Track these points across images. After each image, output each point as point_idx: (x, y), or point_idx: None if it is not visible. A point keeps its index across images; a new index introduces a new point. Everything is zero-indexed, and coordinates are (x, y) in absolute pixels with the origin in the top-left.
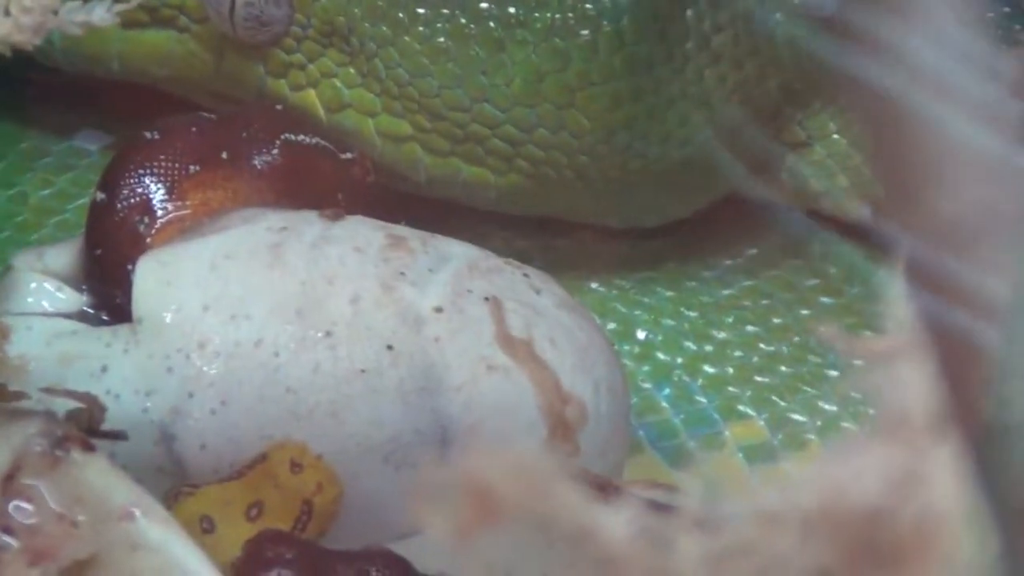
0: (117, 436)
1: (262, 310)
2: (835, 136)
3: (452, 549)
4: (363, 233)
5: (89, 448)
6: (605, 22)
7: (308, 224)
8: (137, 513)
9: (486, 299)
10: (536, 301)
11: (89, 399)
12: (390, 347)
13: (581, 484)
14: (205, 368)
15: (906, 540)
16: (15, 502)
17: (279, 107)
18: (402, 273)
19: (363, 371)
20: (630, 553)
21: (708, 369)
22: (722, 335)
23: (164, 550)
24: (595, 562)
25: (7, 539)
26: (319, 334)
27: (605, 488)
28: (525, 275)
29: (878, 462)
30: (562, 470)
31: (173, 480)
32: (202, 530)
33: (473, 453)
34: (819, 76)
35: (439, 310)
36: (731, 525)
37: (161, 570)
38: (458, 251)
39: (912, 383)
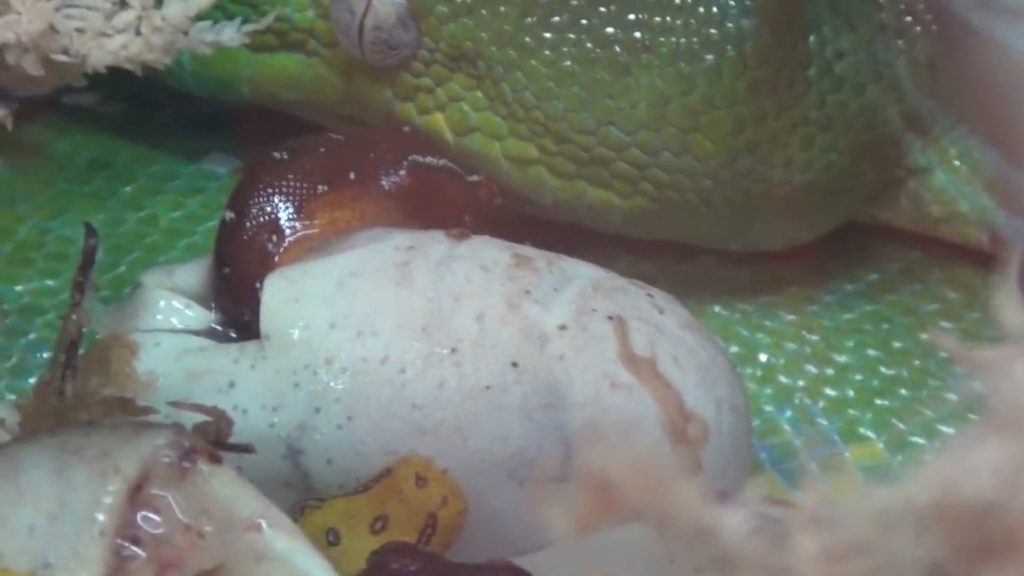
0: (244, 449)
1: (388, 327)
2: (956, 162)
3: (571, 542)
4: (489, 252)
5: (216, 460)
6: (729, 47)
7: (435, 243)
8: (263, 524)
9: (610, 318)
10: (660, 321)
11: (216, 413)
12: (515, 364)
13: (699, 482)
14: (332, 384)
15: (1019, 533)
16: (143, 512)
17: (406, 129)
18: (527, 291)
19: (488, 387)
20: (747, 550)
21: (829, 392)
22: (843, 359)
23: (290, 561)
24: (712, 560)
25: (135, 549)
26: (445, 351)
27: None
28: (649, 295)
29: (991, 457)
30: (681, 468)
31: (299, 494)
32: (327, 543)
33: (593, 449)
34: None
35: (563, 328)
36: (847, 522)
37: None
38: (583, 271)
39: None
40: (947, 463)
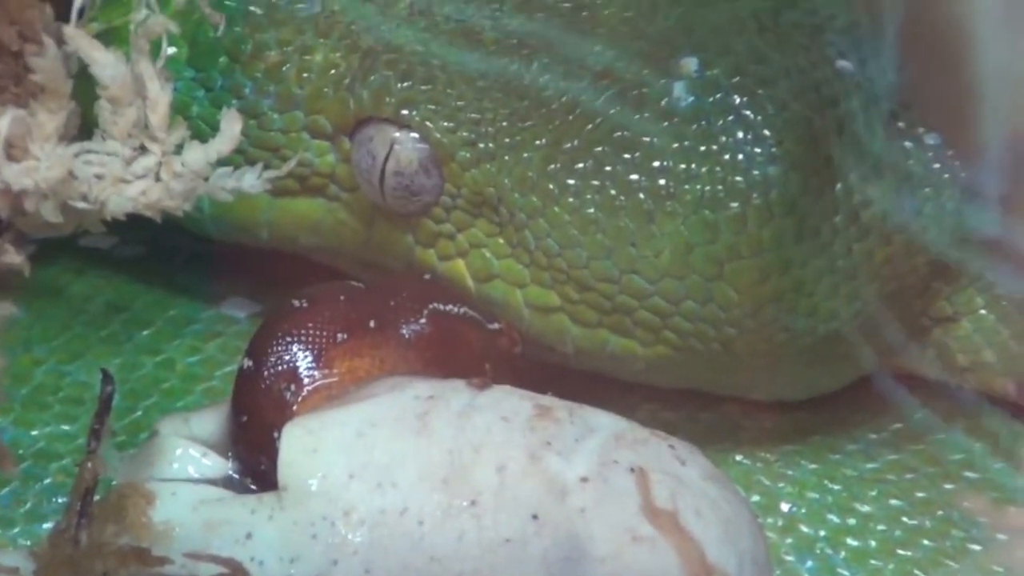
0: None
1: (408, 478)
2: (982, 311)
3: None
4: (510, 402)
5: None
6: (755, 195)
7: (455, 393)
8: None
9: (632, 470)
10: (682, 472)
11: (233, 564)
12: (535, 516)
13: None
14: (350, 536)
15: None
16: None
17: (427, 276)
18: (548, 443)
19: (508, 540)
20: None
21: (851, 542)
22: (866, 508)
23: None
24: None
25: None
26: (465, 503)
27: None
28: (671, 446)
29: None
30: None
31: None
32: None
33: None
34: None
35: (585, 480)
36: None
37: None
38: (605, 422)
39: None
40: None
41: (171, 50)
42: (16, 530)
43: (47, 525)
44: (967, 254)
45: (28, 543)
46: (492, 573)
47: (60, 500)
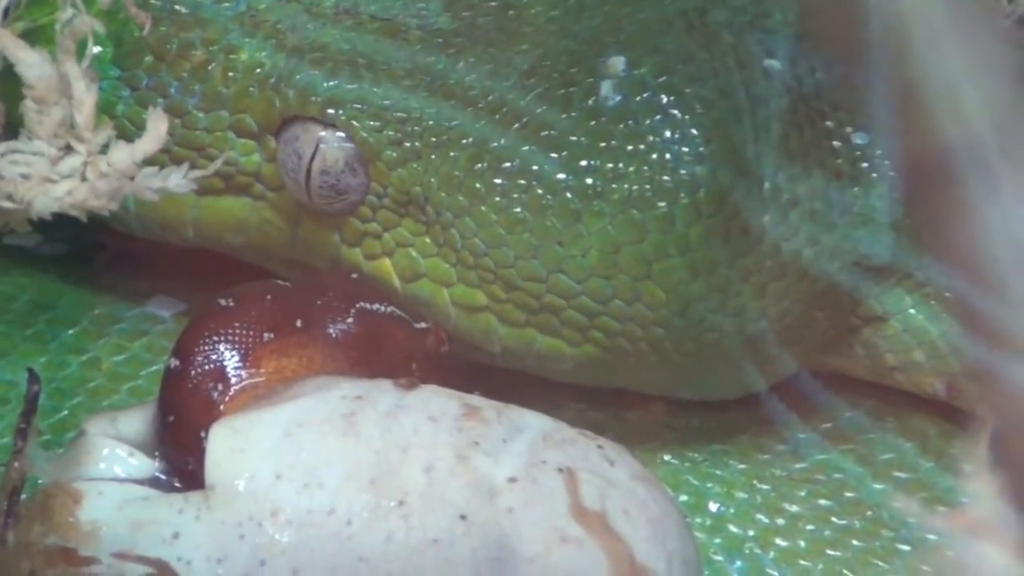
0: None
1: (335, 478)
2: (911, 311)
3: None
4: (438, 402)
5: None
6: (682, 194)
7: (382, 393)
8: None
9: (560, 470)
10: (610, 473)
11: (161, 564)
12: (463, 517)
13: None
14: (277, 536)
15: None
16: None
17: (354, 276)
18: (476, 443)
19: (436, 541)
20: None
21: (780, 542)
22: (795, 508)
23: None
24: None
25: None
26: (392, 503)
27: None
28: (599, 446)
29: None
30: None
31: None
32: None
33: None
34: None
35: (513, 480)
36: None
37: None
38: (533, 422)
39: (991, 557)
40: None
41: (96, 49)
42: None
43: None
44: (897, 252)
45: None
46: (420, 574)
47: None
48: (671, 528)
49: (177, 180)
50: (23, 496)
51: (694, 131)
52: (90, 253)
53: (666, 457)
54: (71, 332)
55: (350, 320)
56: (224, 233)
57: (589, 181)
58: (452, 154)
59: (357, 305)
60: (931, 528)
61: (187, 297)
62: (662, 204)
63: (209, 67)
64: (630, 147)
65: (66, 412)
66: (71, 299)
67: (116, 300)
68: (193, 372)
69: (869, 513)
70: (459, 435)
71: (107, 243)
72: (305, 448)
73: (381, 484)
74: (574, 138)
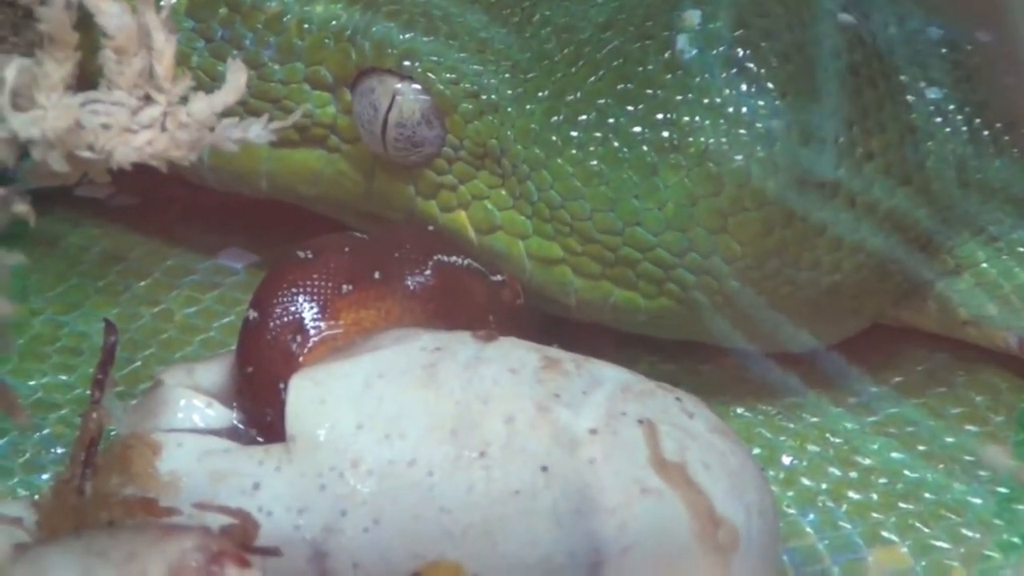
0: (271, 552)
1: (416, 429)
2: (984, 265)
3: None
4: (517, 354)
5: (245, 564)
6: (758, 148)
7: (462, 344)
8: None
9: (640, 422)
10: (689, 425)
11: (243, 515)
12: (544, 468)
13: None
14: (358, 486)
15: None
16: None
17: (430, 228)
18: (557, 395)
19: (517, 492)
20: None
21: (853, 495)
22: (867, 461)
23: None
24: None
25: None
26: (474, 454)
27: None
28: (677, 399)
29: None
30: None
31: None
32: None
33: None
34: (971, 203)
35: (594, 432)
36: None
37: None
38: (611, 374)
39: None
40: None
41: (172, 0)
42: (15, 480)
43: (46, 476)
44: (970, 206)
45: (27, 493)
46: (502, 524)
47: (59, 450)
48: (749, 480)
49: (257, 131)
50: (100, 447)
51: (770, 84)
52: (162, 205)
53: (739, 410)
54: (143, 284)
55: (427, 272)
56: (298, 185)
57: (665, 134)
58: (528, 107)
59: (434, 257)
60: (1003, 482)
61: (259, 249)
62: (738, 157)
63: (284, 19)
64: (706, 100)
65: (139, 363)
66: (143, 251)
67: (188, 252)
68: (272, 324)
69: (941, 466)
70: (539, 387)
71: (178, 196)
72: (386, 399)
73: (462, 435)
74: (650, 91)
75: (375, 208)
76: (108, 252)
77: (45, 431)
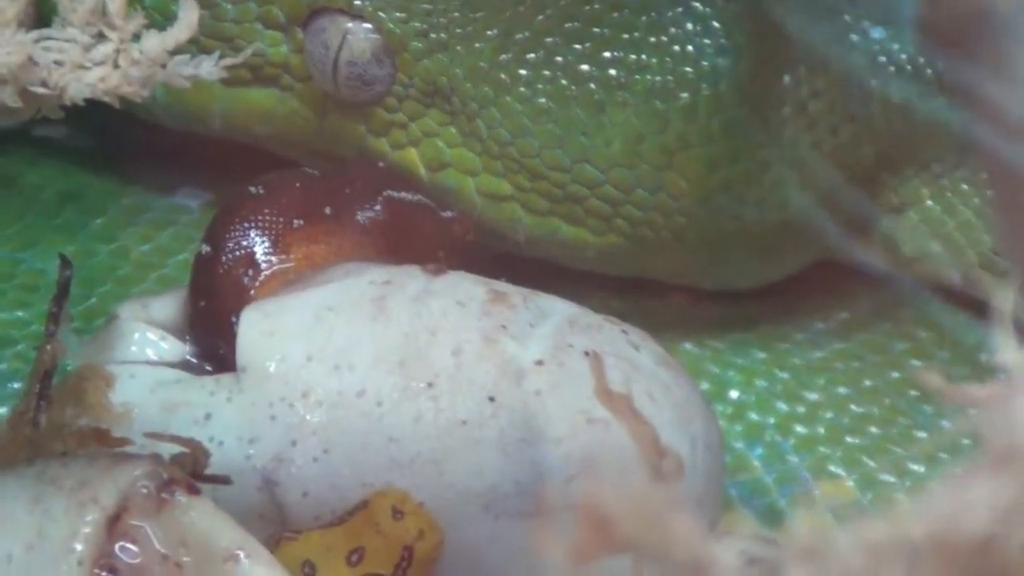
0: (221, 480)
1: (365, 361)
2: (928, 202)
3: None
4: (465, 287)
5: (195, 491)
6: (704, 85)
7: (410, 278)
8: (241, 555)
9: (586, 353)
10: (635, 357)
11: (193, 444)
12: (491, 399)
13: (694, 517)
14: (308, 417)
15: (1015, 569)
16: (121, 543)
17: (381, 164)
18: (504, 327)
19: (464, 422)
20: None
21: (799, 429)
22: (814, 396)
23: None
24: None
25: None
26: (421, 385)
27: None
28: (624, 331)
29: (989, 493)
30: (677, 503)
31: (275, 526)
32: (303, 575)
33: (591, 482)
34: (914, 141)
35: (540, 363)
36: (840, 555)
37: None
38: (558, 307)
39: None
40: (943, 498)
41: None
42: None
43: (2, 410)
44: (914, 144)
45: None
46: (449, 454)
47: (15, 386)
48: (695, 412)
49: (208, 67)
50: (54, 380)
51: (716, 23)
52: (118, 145)
53: (687, 346)
54: (99, 221)
55: (378, 208)
56: (251, 124)
57: (613, 72)
58: (477, 45)
59: (385, 192)
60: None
61: (214, 188)
62: (684, 95)
63: None
64: (652, 39)
65: (95, 300)
66: (99, 189)
67: (144, 191)
68: (224, 257)
69: (887, 401)
70: (486, 319)
71: (134, 136)
72: (335, 331)
73: (410, 366)
74: (597, 30)
75: (327, 146)
76: (65, 191)
77: (2, 366)
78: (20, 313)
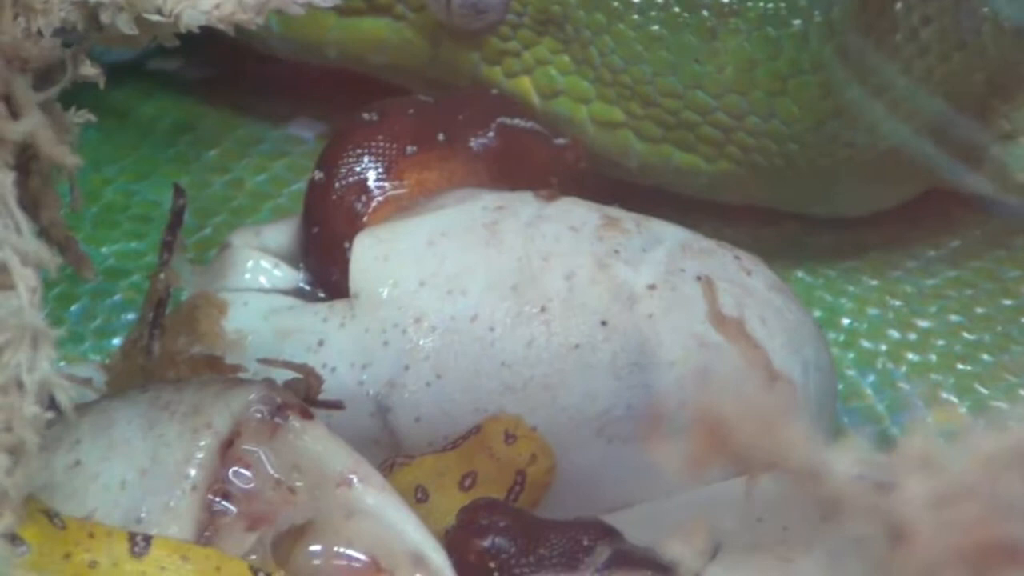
0: (334, 406)
1: (478, 286)
2: None
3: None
4: (578, 213)
5: (308, 416)
6: (816, 12)
7: (523, 204)
8: (355, 480)
9: (698, 278)
10: (747, 282)
11: (306, 370)
12: (604, 323)
13: (808, 427)
14: (421, 342)
15: None
16: (234, 468)
17: (495, 92)
18: (616, 251)
19: (577, 346)
20: (855, 492)
21: (912, 357)
22: (925, 324)
23: (380, 516)
24: (821, 501)
25: (226, 504)
26: (534, 309)
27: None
28: (736, 257)
29: None
30: (791, 411)
31: (387, 451)
32: (416, 500)
33: (707, 391)
34: None
35: (652, 288)
36: (954, 467)
37: (377, 535)
38: (671, 232)
39: None
40: None
41: None
42: (86, 345)
43: (116, 341)
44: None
45: (98, 358)
46: (561, 378)
47: (129, 317)
48: (807, 337)
49: None
50: (169, 309)
51: None
52: (232, 78)
53: (799, 274)
54: (213, 153)
55: (491, 134)
56: (366, 53)
57: (725, 0)
58: None
59: (498, 119)
60: None
61: (328, 119)
62: (797, 22)
63: None
64: None
65: (209, 230)
66: (213, 121)
67: (258, 122)
68: (337, 184)
69: (999, 328)
70: (599, 244)
71: (248, 67)
72: (448, 256)
73: (523, 291)
74: None
75: (441, 75)
76: (179, 123)
77: (116, 297)
78: (134, 244)
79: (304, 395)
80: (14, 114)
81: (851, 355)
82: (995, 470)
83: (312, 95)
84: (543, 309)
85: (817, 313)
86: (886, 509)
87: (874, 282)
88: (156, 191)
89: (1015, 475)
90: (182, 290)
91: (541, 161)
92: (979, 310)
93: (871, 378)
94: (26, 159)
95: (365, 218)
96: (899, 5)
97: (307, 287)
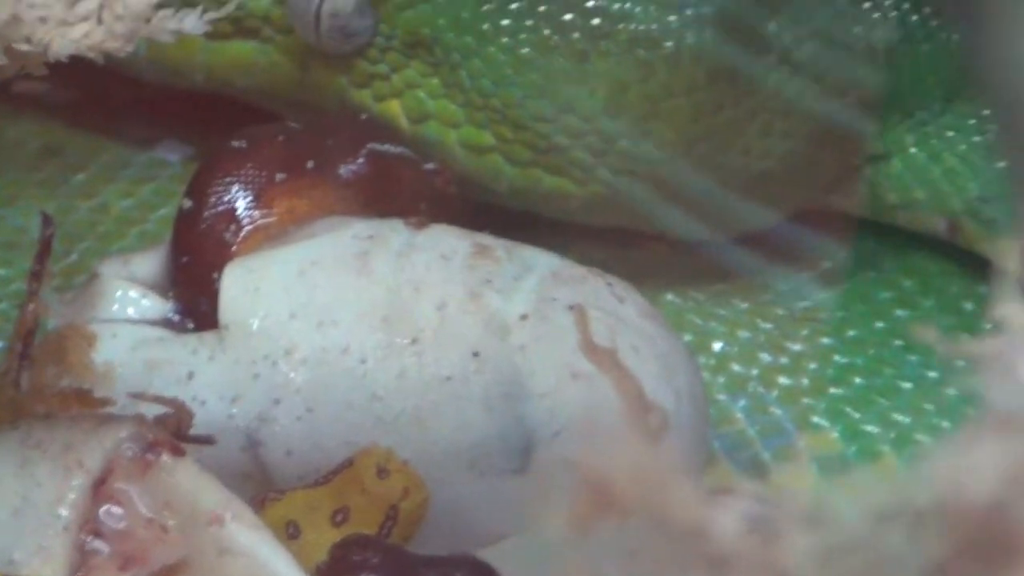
0: (205, 440)
1: (349, 317)
2: (913, 150)
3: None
4: (449, 241)
5: (179, 453)
6: (688, 34)
7: (394, 232)
8: (227, 517)
9: (570, 307)
10: (619, 310)
11: (177, 404)
12: (476, 354)
13: (694, 481)
14: (292, 375)
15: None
16: (106, 507)
17: (363, 116)
18: (488, 280)
19: (449, 378)
20: (741, 548)
21: (783, 380)
22: (797, 347)
23: (253, 554)
24: (707, 559)
25: (98, 544)
26: (405, 341)
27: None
28: (608, 284)
29: (995, 456)
30: (677, 467)
31: (258, 486)
32: (288, 535)
33: (590, 448)
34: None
35: (524, 318)
36: (841, 521)
37: (250, 573)
38: (542, 260)
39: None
40: (947, 462)
41: None
42: None
43: None
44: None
45: None
46: (433, 410)
47: None
48: (679, 365)
49: (192, 22)
50: (37, 339)
51: None
52: (99, 100)
53: (670, 297)
54: (80, 177)
55: (360, 160)
56: (233, 76)
57: (596, 22)
58: None
59: (367, 145)
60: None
61: (195, 142)
62: (668, 44)
63: None
64: None
65: (75, 256)
66: (80, 145)
67: (125, 145)
68: (206, 213)
69: (871, 351)
70: (471, 273)
71: (116, 90)
72: (319, 287)
73: (394, 322)
74: None
75: (309, 98)
76: (46, 146)
77: None
78: (1, 271)
79: (175, 430)
80: None
81: (722, 379)
82: (883, 525)
83: (179, 117)
84: (414, 340)
85: (687, 337)
86: (773, 564)
87: (745, 305)
88: (22, 216)
89: (903, 530)
90: (48, 320)
91: (411, 187)
92: (851, 333)
93: (742, 402)
94: None
95: (235, 248)
96: (772, 26)
97: (177, 318)
